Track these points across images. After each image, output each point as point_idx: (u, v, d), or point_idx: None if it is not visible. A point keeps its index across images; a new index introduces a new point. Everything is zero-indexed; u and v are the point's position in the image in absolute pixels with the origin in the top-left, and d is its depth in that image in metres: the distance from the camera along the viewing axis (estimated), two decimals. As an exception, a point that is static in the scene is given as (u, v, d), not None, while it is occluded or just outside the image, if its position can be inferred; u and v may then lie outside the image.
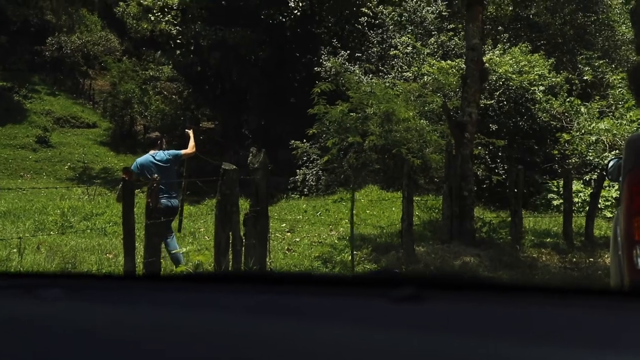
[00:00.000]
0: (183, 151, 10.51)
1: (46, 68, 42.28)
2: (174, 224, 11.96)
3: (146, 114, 34.85)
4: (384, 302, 1.28)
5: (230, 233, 8.17)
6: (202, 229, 14.73)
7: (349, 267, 10.69)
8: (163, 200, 9.18)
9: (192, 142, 10.64)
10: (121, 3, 30.20)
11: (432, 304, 1.27)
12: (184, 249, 9.95)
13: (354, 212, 13.93)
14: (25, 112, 36.59)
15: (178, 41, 27.17)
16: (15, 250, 10.69)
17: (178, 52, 27.59)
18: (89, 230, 14.26)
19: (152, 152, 10.28)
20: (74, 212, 16.56)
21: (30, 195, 19.23)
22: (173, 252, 9.62)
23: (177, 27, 27.16)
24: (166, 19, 27.26)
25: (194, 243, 12.31)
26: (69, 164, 30.64)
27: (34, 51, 42.38)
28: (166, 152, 10.27)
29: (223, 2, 26.55)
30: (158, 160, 10.06)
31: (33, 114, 36.57)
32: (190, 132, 10.82)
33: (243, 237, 8.43)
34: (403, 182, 12.01)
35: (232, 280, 1.57)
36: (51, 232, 14.14)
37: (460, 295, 1.32)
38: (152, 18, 27.30)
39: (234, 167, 8.15)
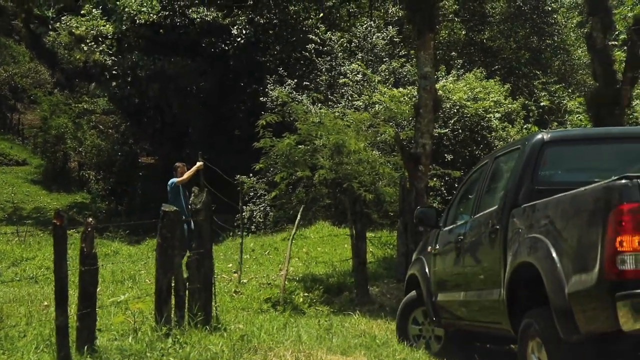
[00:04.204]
0: (176, 180, 13.40)
1: (-30, 102, 41.67)
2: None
3: (80, 149, 34.45)
4: None
5: (173, 277, 8.11)
6: (142, 272, 14.55)
7: (300, 310, 10.68)
8: None
9: (188, 173, 13.55)
10: (51, 32, 29.99)
11: None
12: (122, 297, 9.82)
13: (304, 250, 13.96)
14: (-52, 149, 35.93)
15: (114, 72, 27.04)
16: None
17: (114, 83, 27.45)
18: (17, 278, 13.97)
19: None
20: (2, 257, 16.25)
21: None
22: None
23: (113, 57, 27.04)
24: (100, 48, 27.16)
25: (134, 288, 12.16)
26: (-4, 204, 30.06)
27: (-44, 84, 41.75)
28: (170, 181, 13.50)
29: (161, 31, 26.54)
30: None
31: (-44, 151, 35.93)
32: (197, 165, 13.37)
33: (186, 282, 8.36)
34: (350, 218, 12.07)
35: None
36: (-24, 281, 13.83)
37: None
38: (85, 48, 27.15)
39: (174, 208, 8.11)
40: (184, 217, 12.68)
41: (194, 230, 13.19)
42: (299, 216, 13.85)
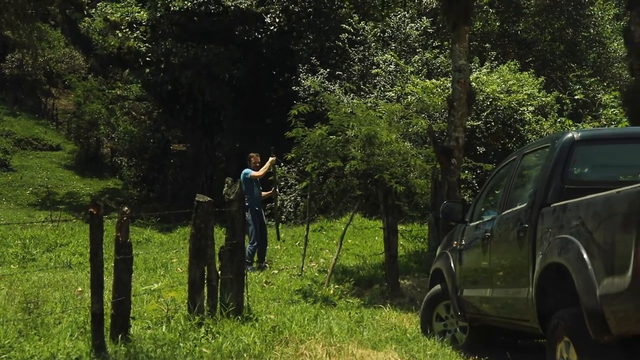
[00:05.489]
0: (251, 173, 13.83)
1: (5, 86, 42.12)
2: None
3: (113, 135, 34.76)
4: None
5: (205, 268, 8.18)
6: (174, 260, 14.67)
7: (331, 301, 10.72)
8: None
9: (263, 168, 14.12)
10: (86, 18, 30.20)
11: None
12: (155, 285, 9.92)
13: (334, 241, 14.01)
14: (-17, 133, 36.35)
15: (147, 59, 27.16)
16: (-27, 287, 10.59)
17: (147, 70, 27.56)
18: (52, 263, 14.16)
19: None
20: (37, 243, 16.45)
21: (-12, 224, 19.03)
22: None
23: (147, 44, 27.17)
24: (135, 35, 27.28)
25: (166, 276, 12.27)
26: (31, 188, 30.44)
27: (-8, 68, 42.21)
28: (245, 171, 13.87)
29: (195, 18, 26.62)
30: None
31: (-8, 135, 36.33)
32: (270, 160, 14.28)
33: (219, 272, 8.43)
34: (382, 211, 12.09)
35: None
36: (11, 266, 14.04)
37: None
38: (120, 34, 27.31)
39: (208, 199, 8.17)
40: (256, 208, 13.79)
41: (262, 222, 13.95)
42: (356, 206, 14.04)
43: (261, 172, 14.11)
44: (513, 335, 8.10)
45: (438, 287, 8.65)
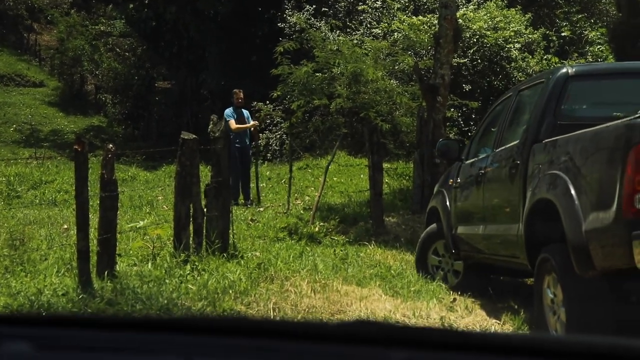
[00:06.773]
0: (230, 121, 13.90)
1: (-14, 22, 41.43)
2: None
3: (97, 72, 34.32)
4: None
5: (191, 205, 8.20)
6: (160, 198, 14.68)
7: (316, 239, 10.78)
8: None
9: (240, 126, 14.40)
10: (68, -48, 29.62)
11: None
12: (141, 223, 9.94)
13: (320, 179, 14.03)
14: (-35, 69, 35.90)
15: (131, -6, 26.73)
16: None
17: (131, 5, 27.14)
18: (37, 201, 14.15)
19: None
20: (21, 180, 16.41)
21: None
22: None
23: (130, -22, 26.71)
24: (117, -31, 26.81)
25: (152, 214, 12.28)
26: (14, 125, 30.18)
27: (-28, 3, 41.43)
28: (225, 112, 14.36)
29: (179, -49, 26.15)
30: None
31: (-27, 71, 35.88)
32: (252, 123, 14.81)
33: (204, 209, 8.45)
34: (367, 149, 12.10)
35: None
36: (-4, 203, 14.03)
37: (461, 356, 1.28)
38: (102, -32, 26.83)
39: (194, 136, 8.15)
40: (237, 145, 14.15)
41: (244, 159, 14.53)
42: (337, 143, 14.13)
43: (235, 127, 14.21)
44: (506, 274, 8.17)
45: (434, 226, 8.62)
